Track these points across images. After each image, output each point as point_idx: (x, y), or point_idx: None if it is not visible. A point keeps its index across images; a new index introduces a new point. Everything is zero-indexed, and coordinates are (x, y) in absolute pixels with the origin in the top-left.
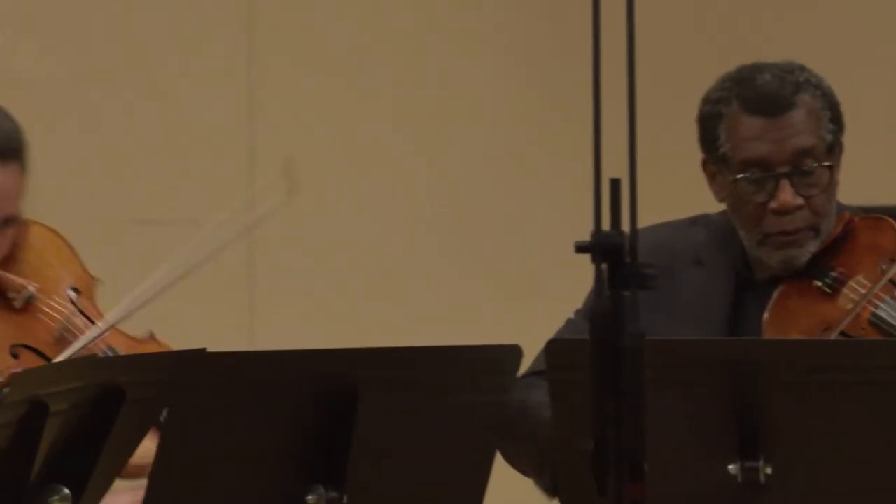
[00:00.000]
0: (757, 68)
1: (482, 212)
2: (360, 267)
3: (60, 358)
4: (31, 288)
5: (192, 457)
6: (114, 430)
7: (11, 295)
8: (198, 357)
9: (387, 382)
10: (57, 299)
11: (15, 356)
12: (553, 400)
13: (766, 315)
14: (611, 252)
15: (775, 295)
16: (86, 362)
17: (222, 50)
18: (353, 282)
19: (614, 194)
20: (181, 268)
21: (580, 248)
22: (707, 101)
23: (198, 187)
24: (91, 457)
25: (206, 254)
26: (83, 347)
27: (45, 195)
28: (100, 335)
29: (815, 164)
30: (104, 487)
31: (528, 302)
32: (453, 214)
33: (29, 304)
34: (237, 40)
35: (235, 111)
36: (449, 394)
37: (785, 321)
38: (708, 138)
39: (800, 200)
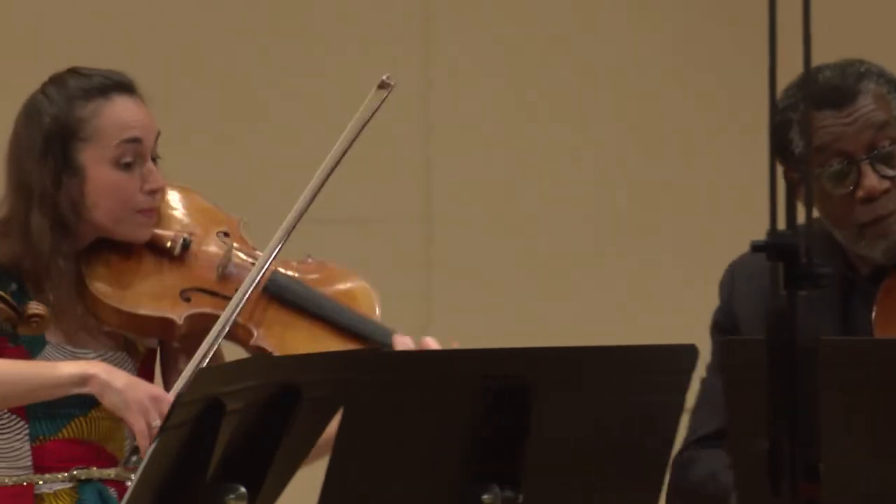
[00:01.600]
0: (817, 69)
1: (657, 210)
2: (534, 265)
3: (238, 290)
4: (186, 235)
5: (368, 455)
6: (290, 429)
7: (169, 245)
8: (373, 356)
9: (562, 382)
10: (209, 241)
11: (187, 300)
12: (728, 399)
13: (873, 313)
14: (786, 252)
15: (879, 291)
16: (262, 362)
17: (398, 50)
18: (527, 280)
19: (790, 193)
20: (320, 179)
21: (756, 248)
22: (775, 113)
23: (373, 187)
24: (267, 455)
25: (336, 154)
26: (257, 277)
27: (228, 193)
28: (268, 263)
29: (893, 145)
30: (280, 486)
31: (704, 301)
32: (627, 213)
33: (186, 251)
34: (413, 40)
35: (410, 111)
36: (624, 393)
37: (892, 316)
38: (781, 146)
39: (885, 184)
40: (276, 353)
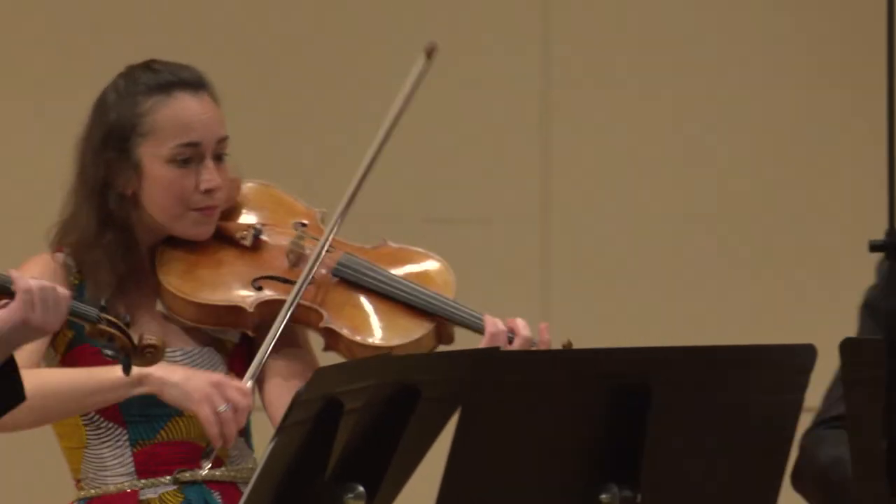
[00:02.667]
0: None
1: (772, 211)
2: (652, 265)
3: (301, 275)
4: (257, 225)
5: (486, 455)
6: (408, 429)
7: (240, 235)
8: (491, 356)
9: (680, 382)
10: (282, 230)
11: (259, 288)
12: (846, 398)
13: None
14: None
15: None
16: (381, 361)
17: (516, 50)
18: (645, 280)
19: None
20: (374, 148)
21: (875, 247)
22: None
23: (491, 187)
24: (385, 454)
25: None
26: (318, 261)
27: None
28: (326, 242)
29: None
30: (399, 486)
31: (820, 301)
32: (743, 214)
33: (258, 240)
34: (531, 40)
35: (529, 111)
36: (742, 393)
37: None
38: None
39: None
40: (346, 334)
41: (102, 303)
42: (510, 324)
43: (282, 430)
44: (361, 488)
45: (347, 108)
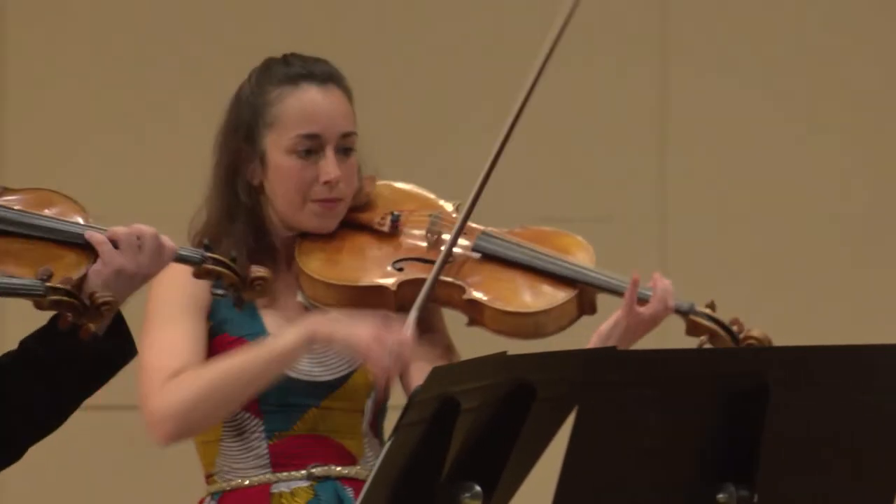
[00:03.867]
0: None
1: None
2: (770, 265)
3: (439, 253)
4: (395, 211)
5: (602, 454)
6: (525, 428)
7: (378, 221)
8: (607, 355)
9: (797, 381)
10: (419, 215)
11: (400, 269)
12: None
13: None
14: None
15: None
16: (497, 360)
17: (633, 49)
18: (763, 280)
19: None
20: (502, 134)
21: None
22: None
23: (608, 186)
24: (502, 454)
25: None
26: (458, 234)
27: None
28: (465, 219)
29: None
30: (515, 485)
31: None
32: (865, 212)
33: (396, 225)
34: (648, 39)
35: (645, 110)
36: (860, 393)
37: None
38: None
39: None
40: (489, 302)
41: (206, 242)
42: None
43: (398, 429)
44: (478, 488)
45: (477, 109)
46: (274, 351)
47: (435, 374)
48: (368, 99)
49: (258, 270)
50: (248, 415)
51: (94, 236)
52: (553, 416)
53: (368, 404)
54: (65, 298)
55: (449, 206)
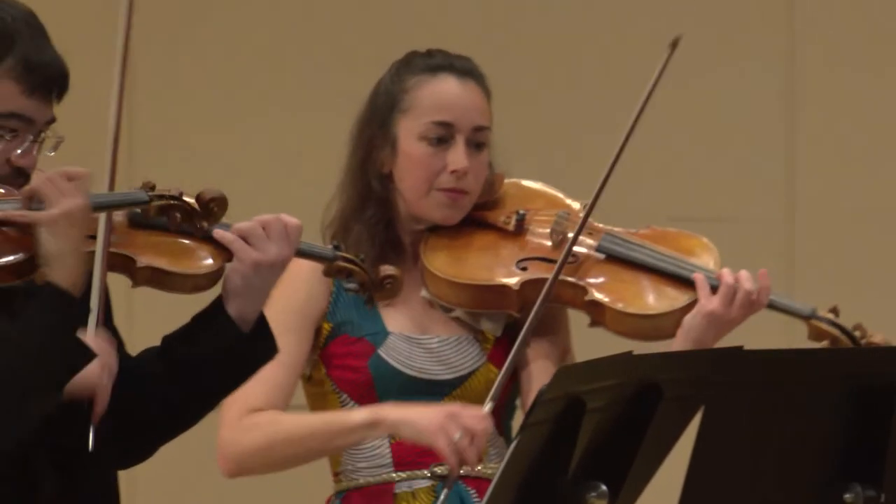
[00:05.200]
0: None
1: None
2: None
3: (561, 253)
4: (521, 210)
5: (728, 454)
6: (651, 428)
7: (504, 220)
8: (734, 355)
9: None
10: (544, 214)
11: (523, 269)
12: None
13: None
14: None
15: None
16: (623, 360)
17: (760, 45)
18: (890, 281)
19: None
20: (622, 139)
21: None
22: None
23: (736, 186)
24: (628, 454)
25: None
26: (580, 233)
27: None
28: (587, 217)
29: None
30: (642, 485)
31: None
32: None
33: (521, 224)
34: (776, 37)
35: (774, 109)
36: None
37: None
38: None
39: None
40: (611, 304)
41: (335, 243)
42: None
43: (524, 428)
44: (604, 487)
45: (598, 107)
46: (343, 426)
47: (561, 374)
48: (502, 96)
49: (388, 269)
50: None
51: (225, 235)
52: (679, 415)
53: (489, 406)
54: (171, 202)
55: (576, 205)
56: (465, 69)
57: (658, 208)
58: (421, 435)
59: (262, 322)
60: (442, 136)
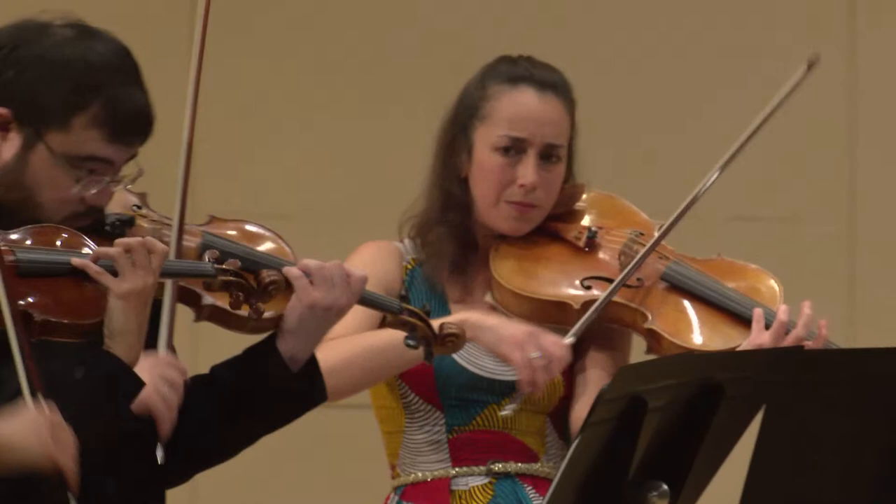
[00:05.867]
0: None
1: None
2: None
3: (623, 272)
4: (593, 227)
5: (789, 453)
6: (712, 427)
7: (575, 235)
8: (795, 354)
9: None
10: (616, 235)
11: (587, 287)
12: None
13: None
14: None
15: None
16: (684, 359)
17: (822, 41)
18: None
19: None
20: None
21: None
22: None
23: (798, 185)
24: (689, 453)
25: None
26: (638, 262)
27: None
28: (653, 246)
29: None
30: (703, 484)
31: None
32: None
33: (592, 242)
34: (837, 33)
35: (835, 108)
36: None
37: None
38: None
39: None
40: (669, 337)
41: (403, 292)
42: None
43: (586, 427)
44: (665, 486)
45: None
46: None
47: (623, 374)
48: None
49: (450, 328)
50: (429, 407)
51: (291, 271)
52: (740, 414)
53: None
54: (233, 279)
55: (652, 224)
56: (546, 81)
57: (721, 208)
58: (500, 344)
59: (312, 364)
60: (514, 149)
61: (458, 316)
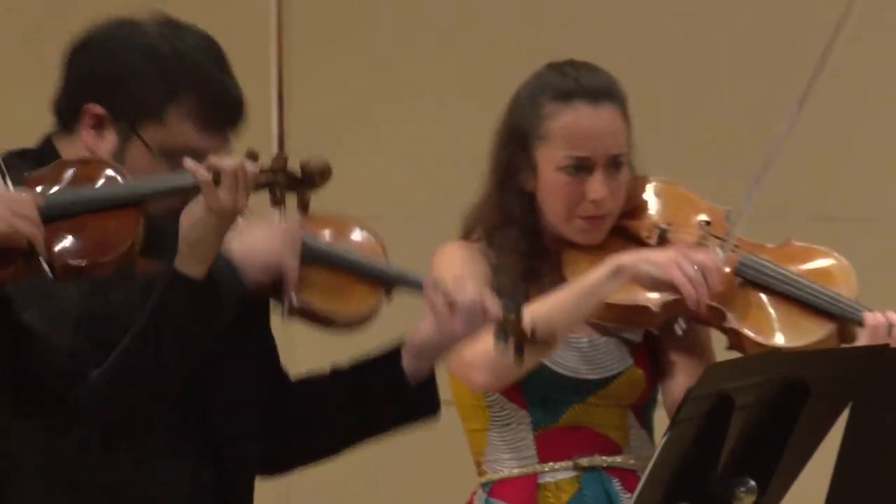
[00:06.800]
0: None
1: None
2: None
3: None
4: (663, 224)
5: (877, 451)
6: (798, 424)
7: (646, 234)
8: (882, 352)
9: None
10: (687, 230)
11: None
12: None
13: None
14: None
15: None
16: (771, 357)
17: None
18: None
19: None
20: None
21: None
22: None
23: (878, 186)
24: (775, 450)
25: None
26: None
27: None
28: (730, 240)
29: None
30: (789, 481)
31: None
32: None
33: (663, 240)
34: None
35: None
36: None
37: None
38: None
39: None
40: (750, 335)
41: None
42: (888, 317)
43: (674, 425)
44: (753, 482)
45: (751, 105)
46: (591, 285)
47: (710, 372)
48: (642, 98)
49: (545, 334)
50: (514, 406)
51: (433, 297)
52: (826, 413)
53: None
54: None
55: (719, 210)
56: (597, 91)
57: (800, 207)
58: (659, 269)
59: (430, 380)
60: (579, 167)
61: (612, 263)
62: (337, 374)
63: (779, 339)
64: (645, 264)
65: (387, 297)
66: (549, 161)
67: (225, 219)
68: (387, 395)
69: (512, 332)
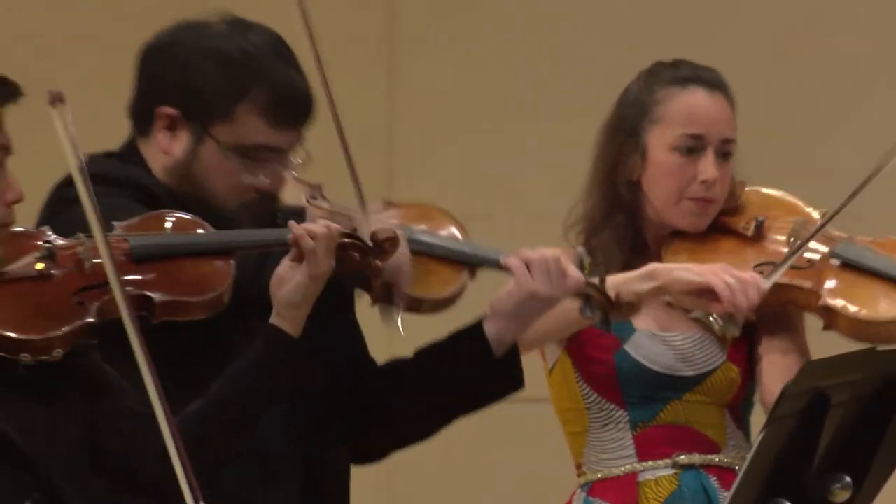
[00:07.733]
0: None
1: None
2: None
3: (800, 258)
4: (760, 216)
5: None
6: (893, 422)
7: (743, 226)
8: None
9: None
10: (783, 220)
11: (759, 273)
12: None
13: None
14: None
15: None
16: (867, 355)
17: None
18: None
19: None
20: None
21: None
22: None
23: None
24: (871, 447)
25: None
26: (806, 242)
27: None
28: (820, 227)
29: None
30: (884, 479)
31: None
32: None
33: (760, 231)
34: None
35: None
36: None
37: None
38: None
39: None
40: (842, 311)
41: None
42: None
43: (771, 422)
44: (848, 479)
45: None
46: (625, 279)
47: (806, 369)
48: (745, 105)
49: (628, 297)
50: (612, 406)
51: (511, 261)
52: None
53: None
54: (347, 241)
55: (815, 214)
56: (713, 81)
57: (886, 216)
58: (697, 276)
59: (514, 351)
60: (693, 147)
61: (647, 267)
62: (421, 354)
63: (873, 312)
64: (683, 272)
65: (471, 277)
66: (662, 141)
67: (321, 282)
68: (472, 367)
69: (596, 297)
